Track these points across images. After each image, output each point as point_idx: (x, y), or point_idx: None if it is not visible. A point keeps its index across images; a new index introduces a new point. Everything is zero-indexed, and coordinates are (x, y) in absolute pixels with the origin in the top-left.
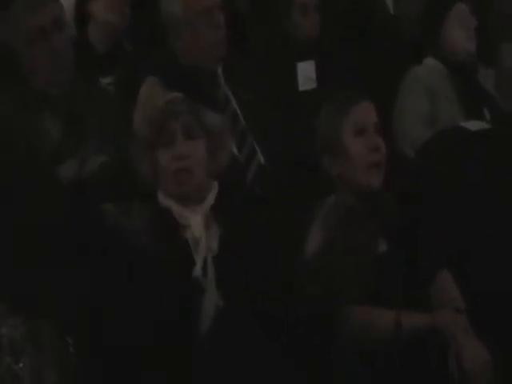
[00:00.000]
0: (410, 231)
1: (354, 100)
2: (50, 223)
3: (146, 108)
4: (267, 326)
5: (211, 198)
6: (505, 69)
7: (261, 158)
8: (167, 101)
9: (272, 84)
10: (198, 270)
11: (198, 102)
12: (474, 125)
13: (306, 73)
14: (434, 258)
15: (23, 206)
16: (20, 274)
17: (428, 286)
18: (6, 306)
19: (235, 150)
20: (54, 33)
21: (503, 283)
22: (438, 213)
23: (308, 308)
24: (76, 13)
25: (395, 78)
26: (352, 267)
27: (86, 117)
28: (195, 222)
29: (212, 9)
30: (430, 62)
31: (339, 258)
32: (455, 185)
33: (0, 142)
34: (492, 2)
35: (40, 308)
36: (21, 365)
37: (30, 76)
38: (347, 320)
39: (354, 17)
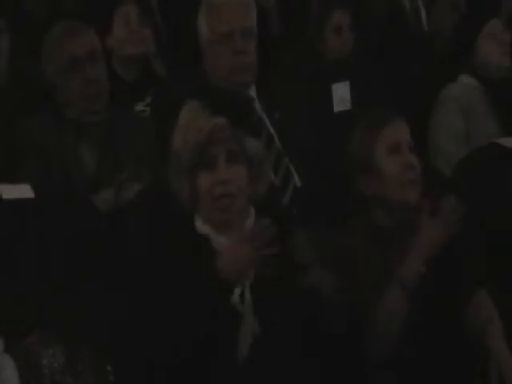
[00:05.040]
0: (447, 250)
1: (387, 119)
2: (88, 250)
3: (190, 131)
4: (305, 351)
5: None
6: None
7: (296, 181)
8: (213, 125)
9: (306, 106)
10: (235, 297)
11: (236, 126)
12: (509, 141)
13: (341, 94)
14: (472, 277)
15: (63, 234)
16: (60, 301)
17: (466, 305)
18: (47, 334)
19: (272, 175)
20: (89, 63)
21: None
22: (476, 231)
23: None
24: None
25: (430, 96)
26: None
27: (121, 145)
28: None
29: (233, 34)
30: (464, 79)
31: (372, 281)
32: (491, 202)
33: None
34: None
35: (80, 335)
36: None
37: (65, 105)
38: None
39: (388, 35)
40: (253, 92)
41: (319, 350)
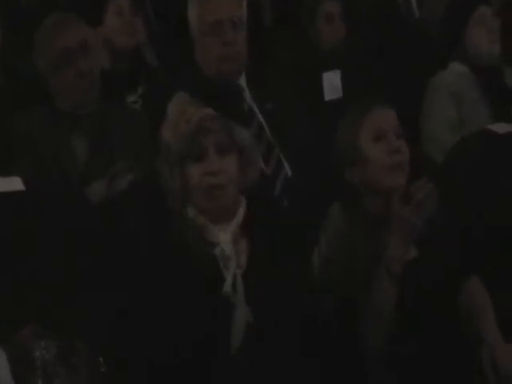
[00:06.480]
0: (440, 236)
1: (370, 107)
2: (86, 247)
3: (178, 124)
4: (298, 339)
5: (240, 215)
6: None
7: (288, 171)
8: (200, 118)
9: (297, 95)
10: (228, 287)
11: (225, 116)
12: (501, 127)
13: (332, 82)
14: (464, 264)
15: (61, 232)
16: (60, 301)
17: (458, 292)
18: (40, 328)
19: (262, 164)
20: (80, 55)
21: None
22: (468, 217)
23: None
24: None
25: (421, 84)
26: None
27: (113, 136)
28: (225, 239)
29: (222, 23)
30: (455, 66)
31: (363, 266)
32: (483, 188)
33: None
34: None
35: (75, 330)
36: None
37: (57, 97)
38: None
39: (379, 23)
40: (243, 82)
41: (316, 341)
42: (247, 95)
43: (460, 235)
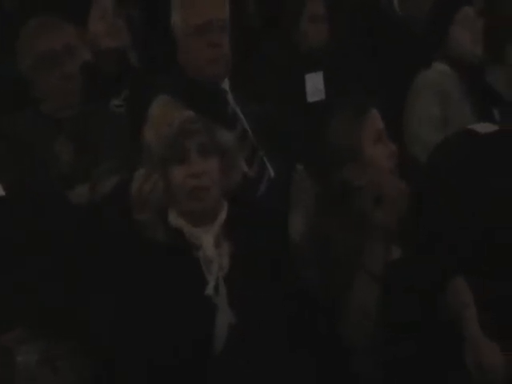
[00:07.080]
0: (423, 237)
1: (367, 108)
2: (80, 249)
3: (160, 126)
4: (282, 340)
5: (222, 217)
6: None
7: (271, 173)
8: (182, 120)
9: (282, 96)
10: (210, 289)
11: (208, 119)
12: (483, 127)
13: (315, 84)
14: (448, 264)
15: (50, 234)
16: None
17: (443, 292)
18: (25, 332)
19: (245, 166)
20: (65, 58)
21: None
22: (451, 217)
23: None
24: None
25: (405, 83)
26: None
27: (96, 139)
28: (207, 242)
29: (208, 25)
30: (438, 65)
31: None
32: (466, 188)
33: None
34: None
35: (65, 333)
36: None
37: (42, 101)
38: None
39: (364, 24)
40: (226, 85)
41: (301, 341)
42: (231, 98)
43: (447, 236)
